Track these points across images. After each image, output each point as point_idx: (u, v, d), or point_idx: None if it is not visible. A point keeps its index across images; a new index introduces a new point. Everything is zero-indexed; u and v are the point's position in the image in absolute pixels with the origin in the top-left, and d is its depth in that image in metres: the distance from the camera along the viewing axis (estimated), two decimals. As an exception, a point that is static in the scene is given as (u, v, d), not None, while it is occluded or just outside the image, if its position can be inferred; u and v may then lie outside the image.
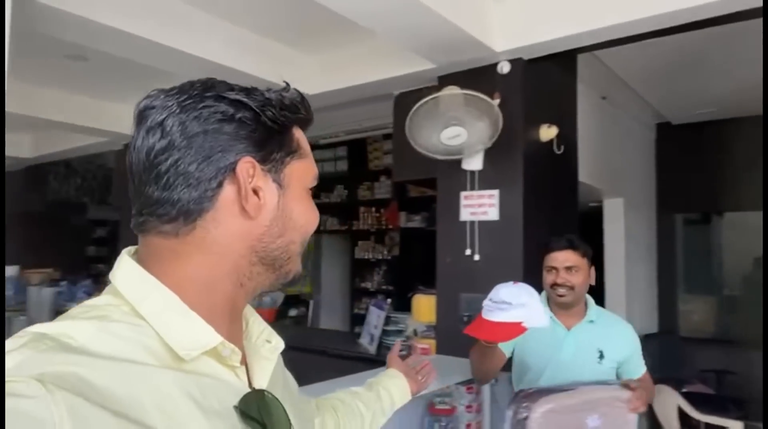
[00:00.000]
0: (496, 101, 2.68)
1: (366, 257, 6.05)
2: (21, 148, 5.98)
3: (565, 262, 1.95)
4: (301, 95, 0.66)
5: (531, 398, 1.68)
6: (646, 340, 4.31)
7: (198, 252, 0.60)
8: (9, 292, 6.02)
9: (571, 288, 1.94)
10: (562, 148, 3.05)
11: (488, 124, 2.65)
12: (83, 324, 0.53)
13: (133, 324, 0.55)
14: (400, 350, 1.44)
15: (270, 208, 0.62)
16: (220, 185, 0.59)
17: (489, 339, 1.72)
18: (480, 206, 2.87)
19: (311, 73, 3.51)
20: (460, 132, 2.62)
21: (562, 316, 1.99)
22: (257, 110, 0.60)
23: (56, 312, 5.61)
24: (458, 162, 2.84)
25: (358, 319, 5.96)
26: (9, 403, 0.42)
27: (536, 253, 2.82)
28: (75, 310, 0.57)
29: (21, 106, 4.24)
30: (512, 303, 1.63)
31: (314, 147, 5.27)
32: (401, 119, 3.24)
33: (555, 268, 1.97)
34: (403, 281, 5.67)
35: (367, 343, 3.56)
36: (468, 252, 2.86)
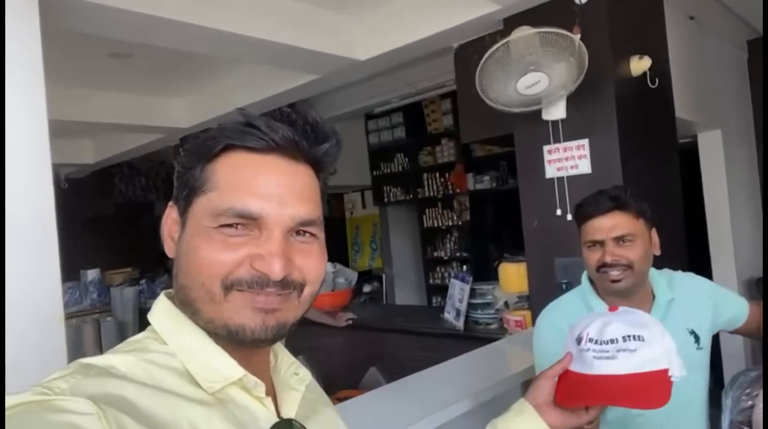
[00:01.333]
0: (577, 35, 2.32)
1: (435, 225, 5.81)
2: (84, 154, 6.06)
3: (613, 230, 1.34)
4: (259, 120, 0.61)
5: (754, 384, 1.32)
6: (755, 284, 3.87)
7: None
8: (93, 294, 6.22)
9: (628, 266, 1.34)
10: (657, 81, 2.64)
11: (571, 64, 2.30)
12: (125, 356, 0.57)
13: (168, 353, 0.59)
14: None
15: (176, 249, 0.63)
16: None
17: (628, 404, 0.92)
18: (568, 160, 2.55)
19: (357, 38, 3.22)
20: (539, 78, 2.28)
21: (624, 306, 1.50)
22: (182, 155, 0.64)
23: (140, 310, 5.75)
24: (537, 113, 2.51)
25: (434, 290, 5.76)
26: (64, 418, 0.45)
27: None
28: (118, 346, 0.60)
29: (76, 112, 4.21)
30: (631, 341, 0.91)
31: (368, 117, 5.10)
32: (464, 74, 2.93)
33: (599, 241, 1.36)
34: (478, 247, 5.40)
35: (453, 318, 3.34)
36: (558, 212, 2.56)
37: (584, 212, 1.38)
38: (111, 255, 6.44)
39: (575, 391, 0.91)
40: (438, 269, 5.84)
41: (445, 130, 5.45)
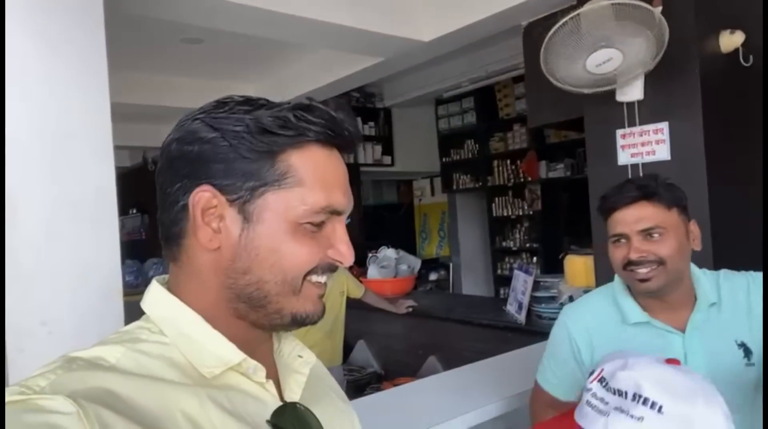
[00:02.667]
0: (658, 8, 2.10)
1: (505, 214, 5.62)
2: (159, 139, 6.36)
3: (639, 222, 1.17)
4: (328, 113, 0.58)
5: None
6: None
7: (190, 279, 0.60)
8: (130, 278, 6.42)
9: (659, 263, 1.16)
10: (751, 58, 2.36)
11: (649, 40, 2.09)
12: (114, 347, 0.55)
13: (162, 342, 0.57)
14: None
15: (232, 241, 0.57)
16: (184, 210, 0.58)
17: None
18: (644, 145, 2.34)
19: (421, 18, 3.13)
20: (612, 55, 2.10)
21: (661, 311, 1.22)
22: (228, 136, 0.56)
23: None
24: (611, 94, 2.32)
25: (502, 281, 5.59)
26: (42, 418, 0.44)
27: (724, 198, 2.25)
28: (108, 336, 0.58)
29: (154, 96, 4.42)
30: (640, 405, 0.65)
31: (438, 102, 4.99)
32: (533, 53, 2.76)
33: (624, 235, 1.19)
34: (549, 238, 5.17)
35: (515, 311, 3.21)
36: (632, 202, 2.35)
37: (607, 204, 1.22)
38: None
39: None
40: (506, 260, 5.65)
41: (518, 115, 5.23)
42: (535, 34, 2.81)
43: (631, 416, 0.62)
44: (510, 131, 5.46)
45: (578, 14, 2.10)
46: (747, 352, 1.18)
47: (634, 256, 1.17)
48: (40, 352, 1.60)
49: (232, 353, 0.57)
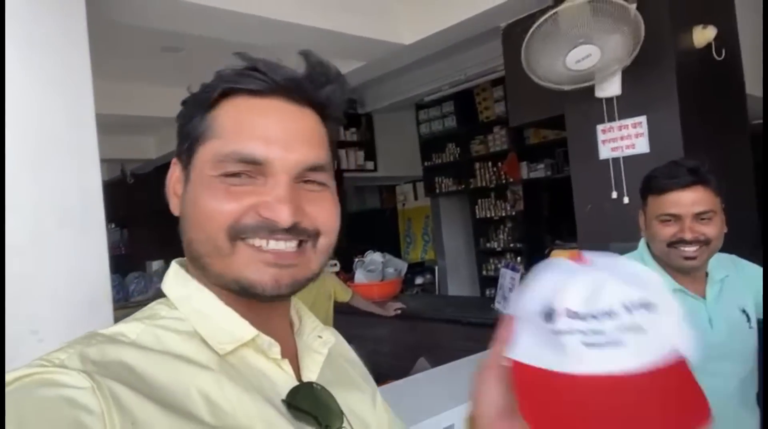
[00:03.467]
0: (633, 5, 2.16)
1: (488, 216, 5.67)
2: (147, 149, 6.30)
3: (695, 205, 1.27)
4: (267, 63, 0.58)
5: None
6: None
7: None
8: (157, 284, 6.47)
9: (706, 243, 1.28)
10: (723, 52, 2.44)
11: (625, 35, 2.15)
12: (134, 324, 0.55)
13: (179, 318, 0.57)
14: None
15: (179, 199, 0.60)
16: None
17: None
18: (623, 139, 2.39)
19: (402, 21, 3.16)
20: (590, 51, 2.15)
21: (683, 280, 1.36)
22: (182, 107, 0.60)
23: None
24: (589, 90, 2.37)
25: (488, 282, 5.63)
26: (56, 392, 0.43)
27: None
28: (130, 316, 0.58)
29: (134, 106, 4.38)
30: (637, 312, 0.47)
31: (419, 107, 5.00)
32: (513, 54, 2.82)
33: (678, 215, 1.29)
34: (532, 238, 5.23)
35: (503, 308, 3.24)
36: (614, 195, 2.41)
37: (660, 184, 1.31)
38: (173, 247, 6.67)
39: (551, 404, 0.47)
40: (491, 261, 5.70)
41: (497, 117, 5.30)
42: (513, 35, 2.86)
43: (639, 330, 0.47)
44: (490, 134, 5.52)
45: (556, 12, 2.16)
46: (748, 317, 1.36)
47: (688, 235, 1.27)
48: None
49: (245, 329, 0.56)
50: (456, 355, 2.87)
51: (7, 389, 0.44)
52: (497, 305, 3.35)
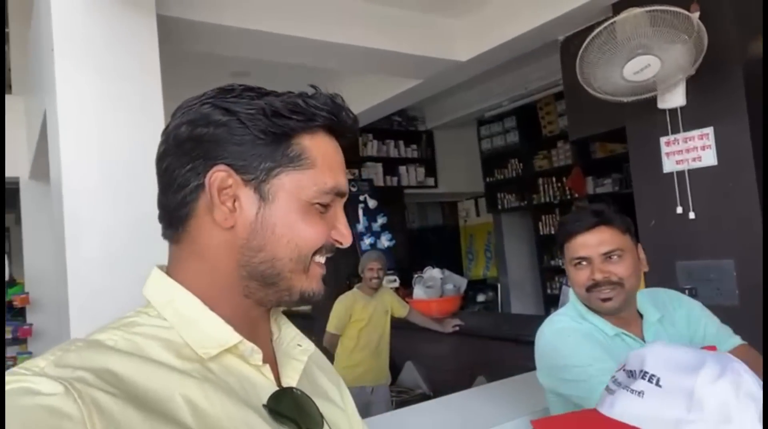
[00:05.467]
0: (696, 14, 2.08)
1: (552, 232, 5.52)
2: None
3: (601, 246, 1.27)
4: (332, 100, 0.62)
5: None
6: None
7: (193, 259, 0.61)
8: None
9: (618, 283, 1.26)
10: (798, 59, 2.29)
11: (687, 45, 2.07)
12: (112, 332, 0.55)
13: (161, 326, 0.57)
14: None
15: (248, 220, 0.59)
16: (195, 191, 0.59)
17: None
18: (689, 151, 2.29)
19: (458, 38, 3.19)
20: (650, 62, 2.08)
21: (621, 324, 1.32)
22: (243, 118, 0.58)
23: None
24: (652, 102, 2.29)
25: (552, 300, 5.47)
26: (35, 401, 0.44)
27: None
28: (108, 323, 0.58)
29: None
30: (643, 380, 0.62)
31: (480, 123, 5.00)
32: (571, 67, 2.76)
33: (585, 258, 1.28)
34: (598, 255, 5.04)
35: (564, 327, 3.14)
36: (679, 210, 2.30)
37: (568, 229, 1.32)
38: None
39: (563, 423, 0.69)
40: (556, 279, 5.54)
41: (561, 131, 5.19)
42: (572, 48, 2.81)
43: (632, 391, 0.61)
44: (554, 148, 5.41)
45: (614, 23, 2.11)
46: None
47: (598, 276, 1.26)
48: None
49: (228, 334, 0.57)
50: (515, 374, 2.81)
51: None
52: (558, 324, 3.25)
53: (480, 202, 6.77)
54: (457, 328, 3.72)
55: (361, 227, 5.02)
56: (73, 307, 1.72)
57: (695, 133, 2.27)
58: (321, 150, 0.61)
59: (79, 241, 1.77)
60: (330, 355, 3.44)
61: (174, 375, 0.53)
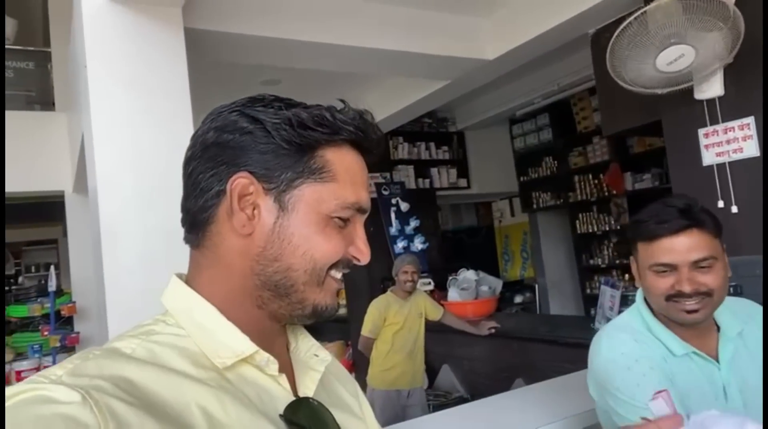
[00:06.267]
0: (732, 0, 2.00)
1: (590, 231, 5.40)
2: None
3: (691, 253, 1.07)
4: (360, 116, 0.61)
5: None
6: None
7: (212, 265, 0.61)
8: None
9: (708, 294, 1.08)
10: None
11: (723, 33, 1.99)
12: (129, 340, 0.55)
13: (178, 335, 0.57)
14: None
15: (265, 228, 0.59)
16: (217, 196, 0.59)
17: None
18: (729, 143, 2.19)
19: (485, 37, 3.16)
20: (684, 51, 2.01)
21: (691, 338, 1.15)
22: (269, 127, 0.58)
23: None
24: (688, 93, 2.21)
25: (592, 300, 5.32)
26: (51, 409, 0.44)
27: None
28: (124, 331, 0.58)
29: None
30: None
31: (512, 121, 4.93)
32: (602, 61, 2.69)
33: (672, 265, 1.09)
34: (639, 252, 4.89)
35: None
36: (721, 204, 2.21)
37: (651, 230, 1.11)
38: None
39: None
40: (595, 278, 5.40)
41: (597, 127, 5.06)
42: (603, 41, 2.74)
43: None
44: (590, 144, 5.29)
45: (644, 12, 2.05)
46: None
47: (686, 288, 1.08)
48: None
49: (245, 344, 0.57)
50: (553, 376, 2.75)
51: (8, 404, 0.44)
52: (597, 325, 3.17)
53: (515, 201, 6.68)
54: (493, 331, 3.67)
55: (393, 231, 5.00)
56: (111, 315, 1.77)
57: (735, 123, 2.17)
58: (344, 164, 0.61)
59: (115, 250, 1.82)
60: (365, 359, 3.44)
61: (190, 384, 0.53)
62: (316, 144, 0.59)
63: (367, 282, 4.76)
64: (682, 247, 1.08)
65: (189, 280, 0.62)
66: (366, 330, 3.33)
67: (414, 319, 3.38)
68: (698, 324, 1.13)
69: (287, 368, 0.63)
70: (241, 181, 0.58)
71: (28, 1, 5.76)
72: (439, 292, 4.59)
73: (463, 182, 5.89)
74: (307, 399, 0.61)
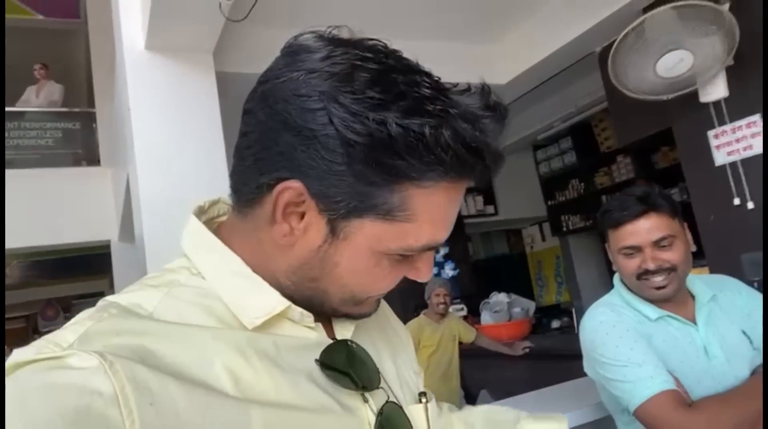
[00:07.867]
0: (725, 5, 2.10)
1: (623, 250, 5.35)
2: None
3: (651, 233, 1.21)
4: (484, 143, 0.47)
5: None
6: None
7: (247, 237, 0.54)
8: None
9: (672, 269, 1.21)
10: None
11: (720, 36, 2.07)
12: (151, 292, 0.51)
13: (201, 287, 0.53)
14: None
15: (308, 247, 0.51)
16: (262, 190, 0.50)
17: None
18: (739, 141, 2.25)
19: (496, 62, 3.30)
20: (682, 56, 2.10)
21: (670, 308, 1.27)
22: (341, 140, 0.45)
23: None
24: (694, 97, 2.29)
25: (631, 320, 5.24)
26: (63, 376, 0.40)
27: None
28: (149, 276, 0.55)
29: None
30: None
31: (536, 147, 4.97)
32: (609, 75, 2.81)
33: (636, 247, 1.23)
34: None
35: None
36: (737, 201, 2.24)
37: (614, 218, 1.26)
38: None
39: None
40: (632, 297, 5.32)
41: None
42: (608, 57, 2.85)
43: None
44: (614, 163, 5.30)
45: (641, 22, 2.16)
46: (750, 339, 1.24)
47: (651, 265, 1.21)
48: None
49: (276, 300, 0.52)
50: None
51: (13, 374, 0.41)
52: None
53: (544, 226, 6.68)
54: (527, 351, 3.67)
55: (424, 259, 5.09)
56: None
57: (743, 122, 2.23)
58: (432, 204, 0.49)
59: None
60: (401, 383, 3.47)
61: (215, 344, 0.48)
62: (404, 178, 0.47)
63: (400, 307, 4.82)
64: (643, 229, 1.22)
65: (220, 230, 0.56)
66: (400, 354, 3.38)
67: (448, 342, 3.41)
68: (669, 298, 1.24)
69: (323, 318, 0.57)
70: (291, 191, 0.48)
71: (72, 66, 6.26)
72: (473, 318, 4.61)
73: (490, 209, 5.95)
74: (345, 341, 0.57)
